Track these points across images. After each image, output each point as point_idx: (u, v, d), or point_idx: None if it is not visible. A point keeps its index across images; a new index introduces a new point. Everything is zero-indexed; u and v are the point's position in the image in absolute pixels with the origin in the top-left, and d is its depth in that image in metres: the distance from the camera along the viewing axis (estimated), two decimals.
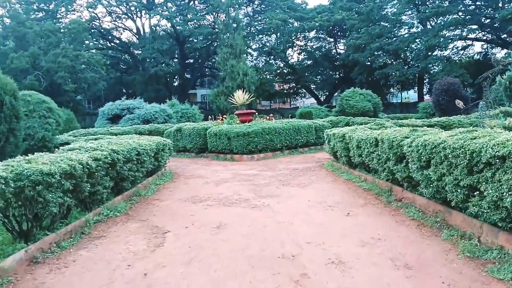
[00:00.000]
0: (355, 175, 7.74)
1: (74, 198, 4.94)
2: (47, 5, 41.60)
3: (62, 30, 29.78)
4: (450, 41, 32.37)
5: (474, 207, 3.56)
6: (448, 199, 4.14)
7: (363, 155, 6.94)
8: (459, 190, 3.81)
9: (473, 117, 15.95)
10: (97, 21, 47.09)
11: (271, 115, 16.57)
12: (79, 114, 29.15)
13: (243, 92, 16.15)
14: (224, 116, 16.10)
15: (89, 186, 5.10)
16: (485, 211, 3.42)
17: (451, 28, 31.78)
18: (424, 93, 44.68)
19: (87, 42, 32.82)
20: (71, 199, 4.80)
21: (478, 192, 3.56)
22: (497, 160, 3.15)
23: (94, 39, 47.07)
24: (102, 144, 5.98)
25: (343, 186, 7.22)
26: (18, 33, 26.12)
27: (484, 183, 3.38)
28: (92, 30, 45.06)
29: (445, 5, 30.29)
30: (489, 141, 3.32)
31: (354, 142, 7.27)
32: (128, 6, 46.06)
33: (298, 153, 13.73)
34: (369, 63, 40.02)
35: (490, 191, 3.25)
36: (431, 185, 4.44)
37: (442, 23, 31.38)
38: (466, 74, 27.49)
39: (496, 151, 3.14)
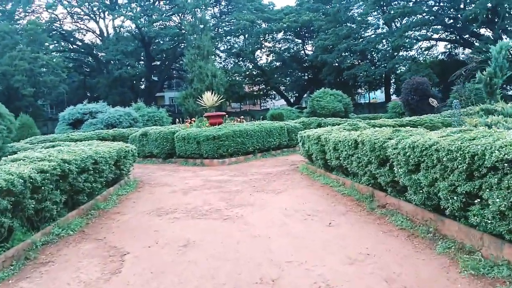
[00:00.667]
0: (332, 179, 7.32)
1: (16, 217, 4.22)
2: (3, 5, 39.42)
3: (20, 32, 27.95)
4: (415, 41, 33.00)
5: (476, 217, 3.16)
6: (442, 207, 3.74)
7: (340, 158, 6.53)
8: (455, 197, 3.40)
9: (444, 115, 16.03)
10: (58, 22, 45.07)
11: (242, 117, 16.06)
12: (39, 119, 27.58)
13: (212, 93, 15.54)
14: (193, 119, 15.44)
15: (34, 203, 4.39)
16: (489, 221, 3.02)
17: (416, 28, 32.37)
18: (391, 93, 45.50)
19: (46, 44, 31.08)
20: (11, 220, 4.08)
21: (479, 200, 3.16)
22: (505, 164, 2.75)
23: (55, 41, 45.06)
24: (52, 153, 5.25)
25: (320, 191, 6.77)
26: None
27: (487, 190, 2.97)
28: (53, 32, 43.06)
29: (410, 5, 30.74)
30: (493, 142, 2.92)
31: (330, 144, 6.85)
32: (90, 7, 44.32)
33: (271, 156, 13.27)
34: (337, 64, 40.29)
35: (496, 200, 2.85)
36: (421, 191, 4.03)
37: (408, 23, 31.88)
38: (432, 74, 28.01)
39: (505, 154, 2.73)
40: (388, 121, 14.46)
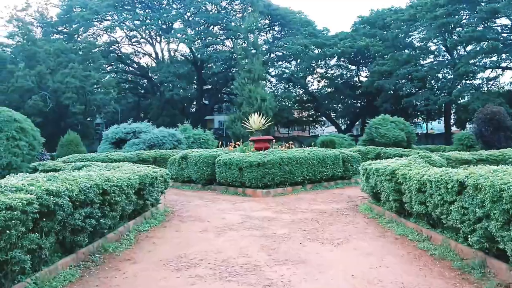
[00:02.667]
0: (411, 229, 5.53)
1: None
2: (67, 27, 41.42)
3: (74, 50, 28.63)
4: (484, 68, 29.96)
5: None
6: None
7: (429, 204, 4.76)
8: None
9: None
10: (116, 45, 46.70)
11: (291, 142, 14.50)
12: (88, 137, 27.66)
13: (260, 116, 14.18)
14: (238, 142, 14.11)
15: None
16: None
17: (484, 55, 29.47)
18: (452, 123, 42.05)
19: (105, 65, 31.69)
20: None
21: None
22: None
23: (112, 63, 46.66)
24: (38, 181, 3.98)
25: (398, 248, 4.99)
26: (28, 52, 25.15)
27: None
28: (111, 54, 44.60)
29: (479, 29, 28.08)
30: None
31: (413, 184, 5.09)
32: (147, 31, 45.56)
33: (322, 189, 11.53)
34: (394, 90, 37.89)
35: None
36: None
37: (476, 48, 29.09)
38: (505, 104, 25.01)
39: None
40: (464, 154, 12.25)
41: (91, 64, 29.02)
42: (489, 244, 3.62)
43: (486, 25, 29.49)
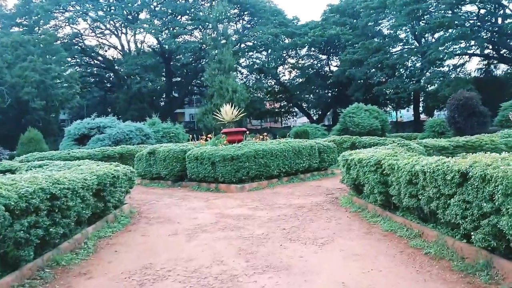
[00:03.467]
0: (399, 224, 5.12)
1: None
2: (26, 20, 39.06)
3: (34, 43, 26.76)
4: (453, 55, 30.32)
5: None
6: None
7: (421, 197, 4.33)
8: None
9: (503, 135, 13.56)
10: (80, 37, 44.55)
11: (265, 134, 13.98)
12: (51, 134, 26.20)
13: (231, 107, 13.53)
14: (209, 135, 13.44)
15: None
16: None
17: (451, 42, 29.79)
18: (420, 111, 42.75)
19: (68, 58, 29.87)
20: None
21: None
22: None
23: (75, 56, 44.54)
24: None
25: (388, 246, 4.54)
26: None
27: None
28: (74, 47, 42.53)
29: (449, 15, 28.26)
30: None
31: (403, 175, 4.65)
32: (112, 22, 43.67)
33: (299, 181, 11.07)
34: (363, 80, 38.01)
35: None
36: None
37: (446, 35, 29.33)
38: (474, 90, 25.35)
39: None
40: (441, 141, 12.11)
41: (53, 57, 27.28)
42: (496, 242, 3.20)
43: (453, 12, 29.80)
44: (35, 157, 13.29)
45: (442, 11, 30.90)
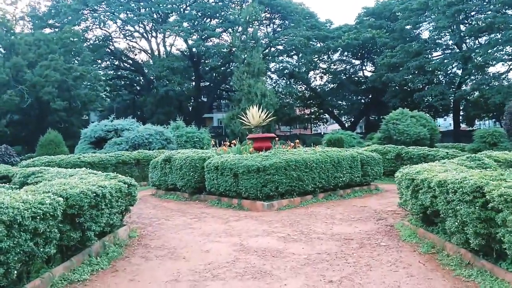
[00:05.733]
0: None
1: None
2: (57, 21, 39.03)
3: (59, 40, 26.04)
4: (505, 60, 27.58)
5: None
6: None
7: None
8: None
9: None
10: (110, 40, 44.34)
11: (297, 141, 12.21)
12: (73, 137, 25.37)
13: (260, 111, 11.84)
14: (233, 141, 11.83)
15: None
16: None
17: (500, 46, 27.05)
18: (461, 120, 39.73)
19: (89, 55, 29.09)
20: None
21: None
22: None
23: (105, 58, 44.36)
24: None
25: None
26: (5, 42, 22.79)
27: None
28: (105, 49, 42.32)
29: (499, 17, 25.59)
30: None
31: None
32: (142, 25, 43.17)
33: (338, 198, 9.26)
34: (399, 85, 35.60)
35: None
36: None
37: (495, 38, 26.64)
38: None
39: None
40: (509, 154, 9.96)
41: (76, 57, 26.59)
42: None
43: (502, 13, 27.10)
44: (42, 161, 12.10)
45: (490, 12, 28.24)
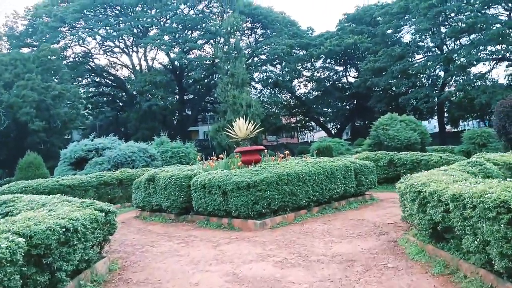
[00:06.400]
0: None
1: None
2: (35, 40, 38.07)
3: (35, 59, 25.23)
4: (490, 59, 27.74)
5: None
6: None
7: None
8: None
9: None
10: (90, 57, 43.51)
11: (286, 152, 11.74)
12: (54, 157, 24.49)
13: (246, 122, 11.35)
14: (221, 156, 11.30)
15: None
16: None
17: (484, 45, 27.21)
18: (445, 122, 39.85)
19: (67, 72, 28.20)
20: None
21: None
22: None
23: (86, 75, 43.50)
24: None
25: None
26: None
27: None
28: (85, 66, 41.49)
29: (481, 17, 25.76)
30: None
31: None
32: (123, 40, 42.52)
33: (333, 211, 8.79)
34: (383, 90, 35.65)
35: None
36: None
37: (478, 38, 26.81)
38: None
39: None
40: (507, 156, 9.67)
41: (55, 76, 25.73)
42: None
43: (483, 12, 27.33)
44: (19, 186, 11.36)
45: (470, 12, 28.49)
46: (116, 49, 43.76)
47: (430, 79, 36.40)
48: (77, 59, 41.13)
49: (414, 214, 4.98)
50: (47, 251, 3.62)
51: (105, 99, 49.43)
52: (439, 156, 12.15)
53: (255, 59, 45.37)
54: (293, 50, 42.25)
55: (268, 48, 41.43)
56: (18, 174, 18.74)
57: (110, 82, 47.48)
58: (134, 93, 41.47)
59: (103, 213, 5.28)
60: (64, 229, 3.88)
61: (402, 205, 5.72)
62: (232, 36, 35.88)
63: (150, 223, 9.36)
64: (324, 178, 8.75)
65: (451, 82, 35.19)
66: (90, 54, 43.03)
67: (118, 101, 49.45)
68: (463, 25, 26.54)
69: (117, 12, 41.49)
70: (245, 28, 44.20)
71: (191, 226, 8.41)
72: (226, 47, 35.61)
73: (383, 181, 12.74)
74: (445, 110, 38.14)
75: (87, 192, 12.10)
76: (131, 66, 44.94)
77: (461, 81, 29.77)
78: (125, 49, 43.85)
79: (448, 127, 43.02)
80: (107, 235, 5.50)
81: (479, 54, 27.29)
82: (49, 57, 25.43)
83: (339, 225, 7.35)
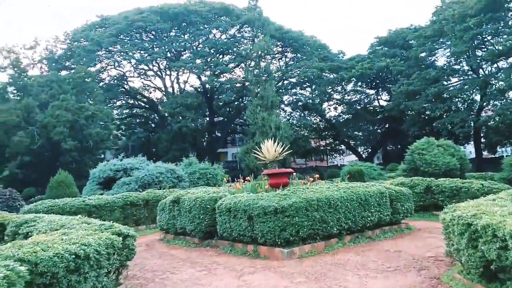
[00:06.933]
0: None
1: None
2: (71, 63, 39.70)
3: (71, 81, 26.21)
4: None
5: None
6: None
7: None
8: None
9: None
10: (125, 80, 44.88)
11: (316, 175, 11.22)
12: (85, 176, 24.94)
13: (275, 144, 10.98)
14: (247, 178, 10.94)
15: None
16: None
17: None
18: (482, 147, 37.96)
19: (100, 93, 28.98)
20: None
21: None
22: None
23: (120, 97, 44.79)
24: None
25: None
26: (18, 85, 22.92)
27: None
28: (119, 88, 42.80)
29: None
30: None
31: None
32: (156, 64, 43.71)
33: (366, 241, 8.18)
34: (418, 113, 34.53)
35: None
36: None
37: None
38: None
39: None
40: None
41: (91, 98, 26.51)
42: None
43: None
44: (46, 205, 11.38)
45: (507, 36, 27.43)
46: (150, 72, 44.98)
47: (466, 103, 35.11)
48: (112, 81, 42.52)
49: (462, 249, 4.40)
50: (53, 280, 3.34)
51: (137, 120, 50.58)
52: (480, 183, 11.29)
53: (285, 82, 45.42)
54: (324, 73, 42.04)
55: (298, 71, 41.41)
56: (48, 192, 19.03)
57: (143, 104, 48.64)
58: (166, 114, 42.25)
59: (121, 237, 4.98)
60: (74, 256, 3.60)
61: (447, 238, 5.13)
62: (263, 59, 36.10)
63: (174, 246, 9.04)
64: (357, 205, 8.19)
65: (488, 107, 33.81)
66: (124, 77, 44.39)
67: (150, 122, 50.48)
68: (501, 48, 25.46)
69: (152, 37, 42.82)
70: (276, 52, 44.48)
71: (215, 252, 8.02)
72: (257, 70, 35.80)
73: (419, 209, 11.95)
74: (482, 135, 36.51)
75: (113, 213, 11.98)
76: (163, 89, 45.97)
77: (499, 105, 28.38)
78: (158, 72, 45.01)
79: (485, 153, 41.07)
80: (125, 260, 5.21)
81: None
82: (84, 79, 26.28)
83: (374, 257, 6.76)
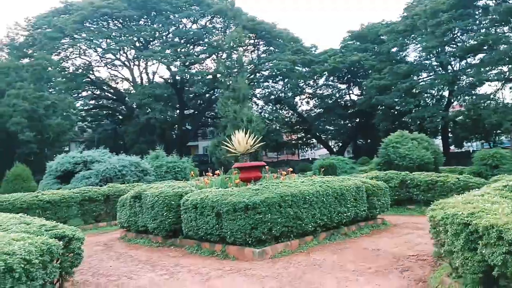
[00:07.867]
0: None
1: None
2: (33, 50, 37.40)
3: (29, 67, 24.41)
4: (502, 78, 26.86)
5: None
6: None
7: None
8: None
9: None
10: (90, 69, 42.80)
11: (290, 169, 10.64)
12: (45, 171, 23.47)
13: (246, 136, 10.30)
14: (217, 172, 10.22)
15: None
16: None
17: (495, 64, 26.36)
18: (449, 142, 38.80)
19: (61, 82, 27.28)
20: None
21: None
22: None
23: (85, 87, 42.72)
24: None
25: None
26: None
27: None
28: (84, 78, 40.77)
29: (492, 34, 24.99)
30: None
31: None
32: (124, 54, 41.93)
33: (343, 238, 7.69)
34: (389, 108, 34.81)
35: None
36: None
37: (489, 57, 25.98)
38: None
39: None
40: None
41: (49, 84, 24.77)
42: None
43: (495, 31, 26.59)
44: None
45: (478, 31, 27.83)
46: (117, 62, 43.17)
47: (435, 99, 35.64)
48: (77, 71, 40.44)
49: (456, 251, 3.90)
50: None
51: (104, 112, 48.71)
52: (456, 177, 11.08)
53: (257, 74, 44.73)
54: (296, 67, 41.64)
55: (271, 64, 40.80)
56: (4, 187, 17.63)
57: (110, 95, 46.77)
58: (133, 106, 40.70)
59: (64, 241, 4.21)
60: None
61: (435, 237, 4.64)
62: (235, 51, 35.27)
63: (134, 246, 8.25)
64: (333, 200, 7.69)
65: (458, 102, 34.44)
66: (90, 66, 42.39)
67: (117, 114, 48.69)
68: (474, 43, 25.75)
69: (119, 25, 41.00)
70: (248, 44, 43.63)
71: (179, 253, 7.31)
72: (228, 62, 34.96)
73: (394, 203, 11.63)
74: (449, 130, 37.26)
75: (70, 209, 11.03)
76: (131, 79, 44.26)
77: (468, 101, 28.87)
78: (126, 62, 43.24)
79: (451, 148, 42.04)
80: (69, 267, 4.43)
81: (489, 73, 26.45)
82: (45, 67, 24.54)
83: (352, 256, 6.26)
